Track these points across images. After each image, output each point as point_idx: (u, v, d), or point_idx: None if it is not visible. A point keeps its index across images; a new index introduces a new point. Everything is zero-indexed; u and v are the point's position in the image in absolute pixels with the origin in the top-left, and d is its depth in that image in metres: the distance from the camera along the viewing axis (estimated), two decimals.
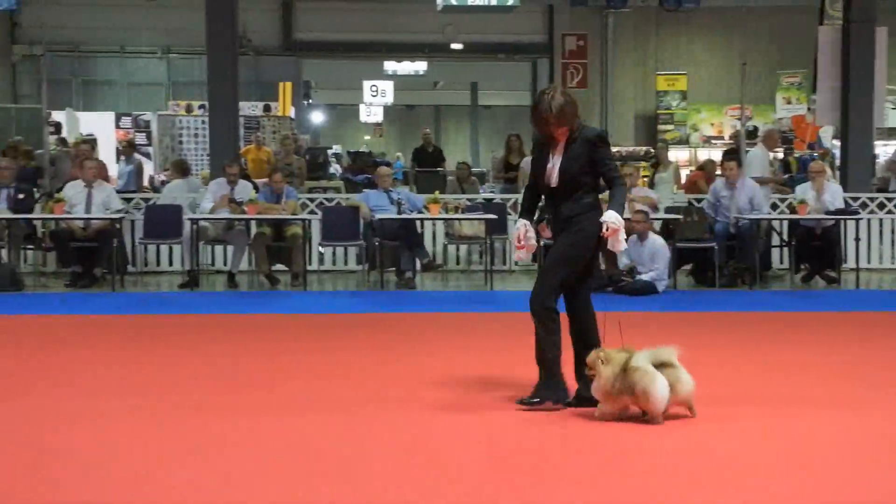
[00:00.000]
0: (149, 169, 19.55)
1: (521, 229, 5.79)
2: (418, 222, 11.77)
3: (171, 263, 12.72)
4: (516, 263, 12.25)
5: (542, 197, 5.87)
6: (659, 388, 5.14)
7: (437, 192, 12.23)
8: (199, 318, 9.41)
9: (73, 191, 11.52)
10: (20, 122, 17.49)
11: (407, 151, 29.39)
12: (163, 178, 18.17)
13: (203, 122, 20.95)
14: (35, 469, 4.54)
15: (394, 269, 11.66)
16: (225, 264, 12.14)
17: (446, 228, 12.60)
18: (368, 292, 11.32)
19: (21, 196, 11.61)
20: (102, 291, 11.07)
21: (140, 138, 21.40)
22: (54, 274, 12.15)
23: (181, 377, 6.60)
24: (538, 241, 6.06)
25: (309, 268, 12.09)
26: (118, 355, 7.39)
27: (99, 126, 20.93)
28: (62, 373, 6.77)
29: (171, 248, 12.61)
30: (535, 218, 5.99)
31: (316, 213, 12.51)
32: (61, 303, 10.33)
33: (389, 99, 29.64)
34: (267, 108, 22.04)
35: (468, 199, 13.08)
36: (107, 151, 18.70)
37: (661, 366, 5.22)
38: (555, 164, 5.65)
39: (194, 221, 11.32)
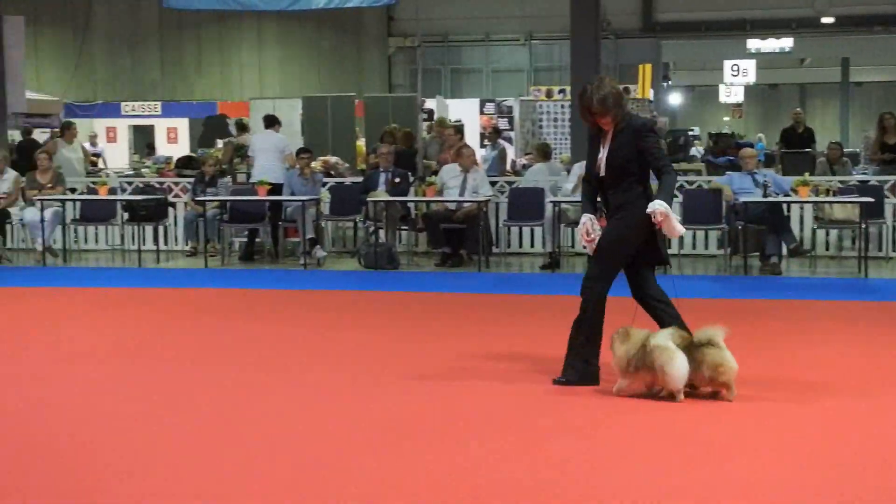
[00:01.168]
0: (510, 153, 20.18)
1: (587, 224, 5.84)
2: (785, 205, 11.28)
3: (532, 245, 13.05)
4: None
5: None
6: (676, 366, 5.17)
7: (805, 173, 11.65)
8: (558, 300, 9.56)
9: (449, 175, 12.12)
10: (395, 110, 18.65)
11: (768, 132, 28.26)
12: (524, 161, 18.67)
13: (562, 106, 21.30)
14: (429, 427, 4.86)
15: (758, 253, 11.25)
16: (584, 246, 12.26)
17: (815, 212, 11.96)
18: (730, 277, 11.00)
19: (398, 180, 12.36)
20: (468, 271, 11.57)
21: (502, 123, 22.15)
22: (425, 253, 12.87)
23: (526, 353, 6.76)
24: None
25: (669, 251, 11.91)
26: (481, 329, 7.71)
27: (465, 112, 21.88)
28: (425, 344, 7.17)
29: (532, 231, 12.94)
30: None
31: (677, 196, 12.33)
32: (431, 281, 10.91)
33: (751, 78, 28.54)
34: (626, 91, 21.98)
35: (840, 182, 12.36)
36: (472, 137, 19.50)
37: (705, 344, 5.26)
38: (604, 154, 5.76)
39: (556, 204, 11.54)
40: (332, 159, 15.88)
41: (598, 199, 5.95)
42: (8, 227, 12.96)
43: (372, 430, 4.94)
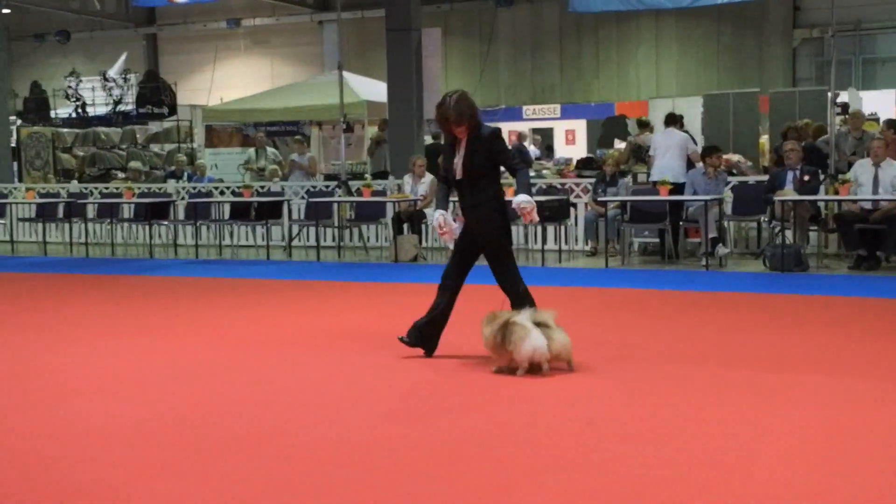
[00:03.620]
0: None
1: (439, 219, 6.53)
2: None
3: None
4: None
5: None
6: (528, 342, 5.90)
7: None
8: None
9: (861, 170, 11.36)
10: (802, 105, 17.74)
11: None
12: None
13: None
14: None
15: None
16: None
17: None
18: None
19: (807, 177, 11.74)
20: (888, 275, 10.73)
21: None
22: (836, 256, 12.13)
23: None
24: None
25: None
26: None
27: (880, 104, 20.40)
28: (838, 350, 6.69)
29: None
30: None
31: None
32: (844, 285, 10.24)
33: None
34: None
35: None
36: None
37: (539, 325, 5.96)
38: (460, 159, 6.40)
39: None
40: (735, 157, 15.39)
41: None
42: (423, 227, 13.86)
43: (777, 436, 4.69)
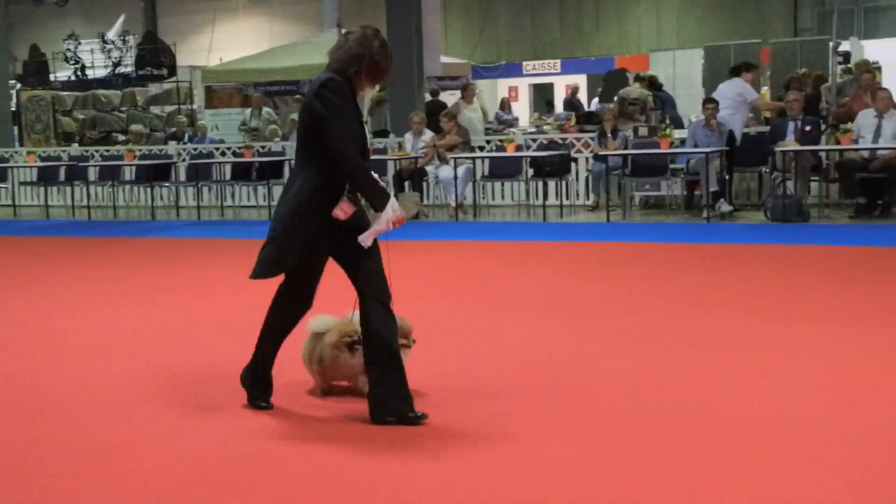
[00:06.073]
0: None
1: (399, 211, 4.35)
2: None
3: None
4: None
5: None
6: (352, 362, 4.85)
7: None
8: None
9: (864, 120, 11.32)
10: (803, 55, 17.64)
11: None
12: None
13: None
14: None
15: None
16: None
17: None
18: None
19: (808, 128, 11.70)
20: (888, 223, 10.74)
21: None
22: (837, 205, 12.12)
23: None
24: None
25: None
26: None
27: (883, 54, 20.24)
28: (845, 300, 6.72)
29: None
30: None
31: None
32: (845, 234, 10.25)
33: None
34: None
35: None
36: (890, 79, 17.99)
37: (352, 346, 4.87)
38: (367, 126, 4.35)
39: None
40: None
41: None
42: (424, 184, 13.85)
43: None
